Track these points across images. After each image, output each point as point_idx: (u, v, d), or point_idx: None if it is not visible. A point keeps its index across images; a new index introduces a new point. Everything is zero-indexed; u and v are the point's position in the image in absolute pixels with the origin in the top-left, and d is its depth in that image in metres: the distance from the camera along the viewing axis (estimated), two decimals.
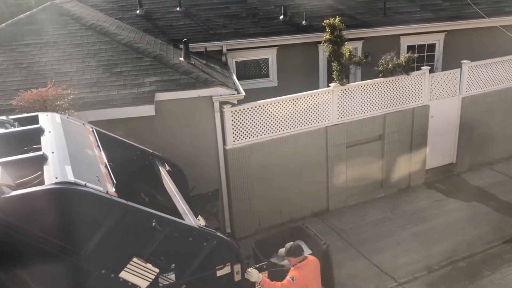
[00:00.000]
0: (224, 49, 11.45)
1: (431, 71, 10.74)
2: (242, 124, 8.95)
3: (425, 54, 12.85)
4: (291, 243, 6.06)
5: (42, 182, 4.40)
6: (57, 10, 9.92)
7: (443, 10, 12.65)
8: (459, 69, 10.88)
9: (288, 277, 5.83)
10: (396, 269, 8.31)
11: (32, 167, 4.63)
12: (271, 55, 11.97)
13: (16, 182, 4.45)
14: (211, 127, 8.79)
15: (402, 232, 9.35)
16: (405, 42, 12.49)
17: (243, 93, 8.80)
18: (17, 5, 18.11)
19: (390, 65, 10.01)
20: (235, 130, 8.92)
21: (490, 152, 11.83)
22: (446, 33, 12.65)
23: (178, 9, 12.16)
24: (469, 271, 8.21)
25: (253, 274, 5.63)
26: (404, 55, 10.23)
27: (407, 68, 10.14)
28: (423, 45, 12.78)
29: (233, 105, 8.76)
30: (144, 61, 8.94)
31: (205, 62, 10.20)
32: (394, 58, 10.10)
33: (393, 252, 8.75)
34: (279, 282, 5.80)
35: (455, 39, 12.66)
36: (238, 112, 8.85)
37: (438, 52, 12.85)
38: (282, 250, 6.16)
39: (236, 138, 8.97)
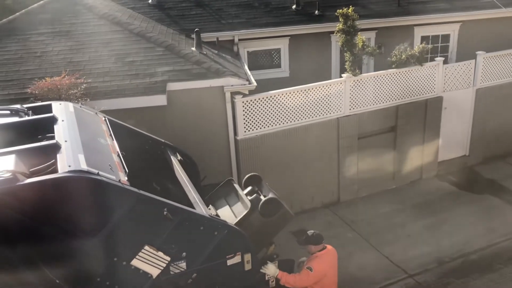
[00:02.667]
0: (236, 39, 11.42)
1: (445, 62, 10.61)
2: (253, 115, 8.94)
3: (439, 44, 12.69)
4: (312, 231, 6.05)
5: (55, 170, 4.43)
6: (70, 0, 9.95)
7: (458, 0, 12.46)
8: (473, 60, 10.74)
9: (305, 268, 5.83)
10: (406, 261, 8.29)
11: (46, 156, 4.67)
12: (283, 45, 11.91)
13: (30, 170, 4.49)
14: (222, 117, 8.79)
15: (413, 224, 9.31)
16: (419, 33, 12.35)
17: (255, 84, 8.78)
18: None
19: (403, 56, 9.92)
20: (246, 121, 8.92)
21: (504, 145, 11.69)
22: (461, 23, 12.48)
23: None
24: (480, 264, 8.17)
25: (270, 268, 5.66)
26: (418, 46, 10.12)
27: (421, 59, 10.04)
28: (437, 36, 12.63)
29: (244, 95, 8.75)
30: (156, 50, 8.94)
31: (216, 52, 10.18)
32: (408, 48, 10.00)
33: (404, 244, 8.73)
34: (297, 274, 5.82)
35: (470, 30, 12.49)
36: (249, 103, 8.83)
37: (453, 43, 12.68)
38: (300, 239, 6.15)
39: (247, 129, 8.97)
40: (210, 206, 6.16)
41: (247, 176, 6.42)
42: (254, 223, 5.68)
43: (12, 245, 4.22)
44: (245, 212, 5.69)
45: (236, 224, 5.54)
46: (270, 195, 5.86)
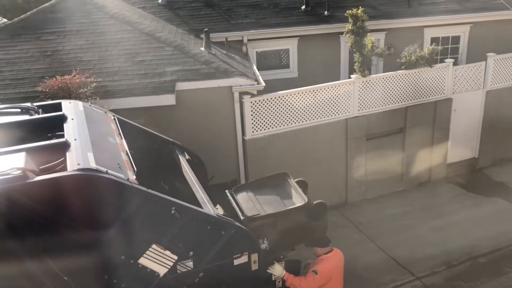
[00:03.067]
0: (245, 39, 11.44)
1: (455, 63, 10.56)
2: (262, 115, 8.94)
3: (449, 46, 12.62)
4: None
5: (64, 168, 4.47)
6: None
7: (469, 1, 12.40)
8: (484, 62, 10.67)
9: (311, 271, 5.81)
10: (414, 263, 8.25)
11: (55, 154, 4.71)
12: (292, 46, 11.91)
13: (40, 167, 4.54)
14: (231, 117, 8.80)
15: (421, 226, 9.26)
16: (429, 34, 12.29)
17: (263, 84, 8.79)
18: None
19: (413, 57, 9.87)
20: (254, 121, 8.92)
21: None
22: (471, 25, 12.39)
23: None
24: (489, 268, 8.11)
25: (277, 268, 5.67)
26: (427, 47, 10.08)
27: (431, 60, 9.98)
28: (447, 37, 12.56)
29: (252, 95, 8.76)
30: (165, 50, 8.98)
31: (225, 52, 10.20)
32: (417, 50, 9.95)
33: (412, 246, 8.68)
34: (303, 277, 5.81)
35: (481, 31, 12.40)
36: (257, 103, 8.84)
37: (463, 45, 12.60)
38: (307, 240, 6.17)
39: (255, 129, 8.98)
40: (218, 206, 6.17)
41: (295, 180, 6.41)
42: (297, 220, 5.78)
43: (20, 242, 4.26)
44: (300, 204, 5.75)
45: (285, 211, 5.66)
46: (320, 200, 6.00)
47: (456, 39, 12.62)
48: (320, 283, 5.79)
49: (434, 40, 12.18)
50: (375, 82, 9.72)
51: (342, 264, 6.11)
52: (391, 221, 9.48)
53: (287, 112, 9.11)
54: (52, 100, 6.67)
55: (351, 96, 9.57)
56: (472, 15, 12.13)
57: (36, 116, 5.71)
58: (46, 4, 10.02)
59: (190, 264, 5.07)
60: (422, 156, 10.56)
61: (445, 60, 10.48)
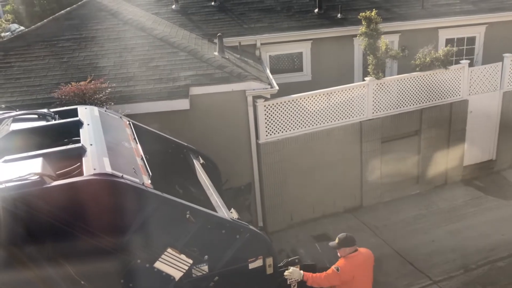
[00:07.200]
0: (258, 43, 11.46)
1: (470, 65, 10.43)
2: (275, 119, 8.94)
3: (465, 47, 12.49)
4: (344, 233, 6.00)
5: (81, 173, 4.52)
6: (96, 6, 10.14)
7: (484, 1, 12.25)
8: (500, 63, 10.53)
9: (333, 267, 5.78)
10: (430, 267, 8.15)
11: (72, 159, 4.77)
12: (305, 49, 11.90)
13: (57, 172, 4.59)
14: (244, 121, 8.82)
15: (437, 230, 9.15)
16: (443, 35, 12.17)
17: (276, 87, 8.79)
18: (57, 1, 18.64)
19: (427, 59, 9.79)
20: (268, 124, 8.92)
21: None
22: (487, 25, 12.25)
23: (213, 3, 12.24)
24: (508, 271, 7.97)
25: (295, 272, 5.63)
26: (442, 49, 9.98)
27: (446, 62, 9.88)
28: (463, 38, 12.42)
29: (266, 99, 8.76)
30: (179, 55, 9.04)
31: (239, 56, 10.23)
32: (432, 51, 9.86)
33: (428, 250, 8.58)
34: (324, 272, 5.77)
35: (497, 32, 12.25)
36: (271, 106, 8.84)
37: (478, 45, 12.45)
38: (333, 243, 6.12)
39: (269, 133, 8.98)
40: (232, 210, 6.18)
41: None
42: None
43: (38, 246, 4.31)
44: None
45: None
46: None
47: (471, 40, 12.48)
48: (342, 280, 5.74)
49: (449, 41, 12.07)
50: (389, 84, 9.66)
51: (368, 264, 5.98)
52: (407, 225, 9.39)
53: (301, 116, 9.09)
54: (67, 106, 6.75)
55: (365, 98, 9.52)
56: (488, 15, 11.99)
57: (53, 122, 5.79)
58: (62, 11, 10.16)
59: (205, 268, 5.08)
60: (438, 158, 10.45)
61: (461, 62, 10.37)
